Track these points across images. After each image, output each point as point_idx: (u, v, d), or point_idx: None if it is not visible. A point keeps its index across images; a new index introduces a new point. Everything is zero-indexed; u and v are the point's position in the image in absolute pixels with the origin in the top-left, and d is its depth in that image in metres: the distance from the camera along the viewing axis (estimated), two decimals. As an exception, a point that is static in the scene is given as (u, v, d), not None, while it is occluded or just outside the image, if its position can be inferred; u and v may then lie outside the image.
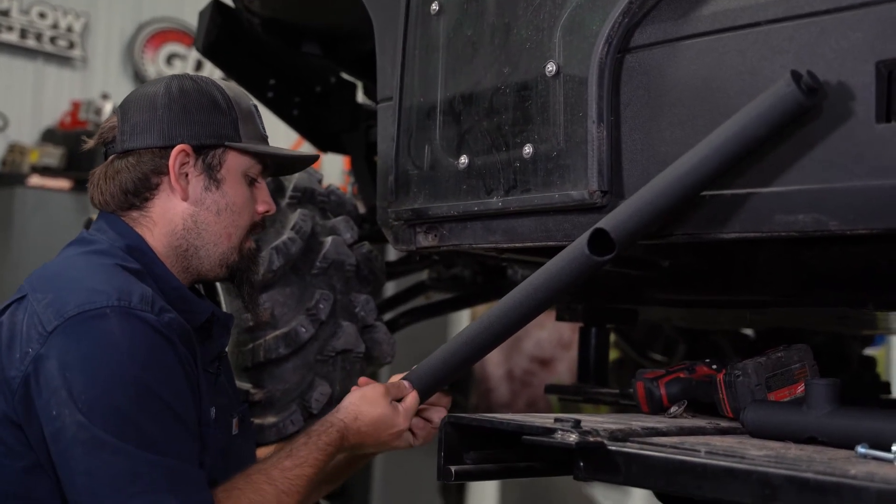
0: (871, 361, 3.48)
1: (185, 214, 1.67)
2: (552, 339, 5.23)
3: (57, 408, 1.41)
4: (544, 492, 4.90)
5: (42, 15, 7.03)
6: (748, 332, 3.40)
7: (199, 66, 7.38)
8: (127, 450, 1.39)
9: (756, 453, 1.32)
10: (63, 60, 7.19)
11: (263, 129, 1.78)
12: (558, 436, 1.41)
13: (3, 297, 1.62)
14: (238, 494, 1.51)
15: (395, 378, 1.79)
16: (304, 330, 2.15)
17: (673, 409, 1.78)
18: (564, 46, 1.68)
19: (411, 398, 1.74)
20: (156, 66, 7.52)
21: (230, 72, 3.01)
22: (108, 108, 6.73)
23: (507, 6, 1.79)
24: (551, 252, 1.62)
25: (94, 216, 1.74)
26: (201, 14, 2.88)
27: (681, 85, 1.54)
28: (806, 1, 1.39)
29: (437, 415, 1.80)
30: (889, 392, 3.22)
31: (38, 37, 7.01)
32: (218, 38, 2.85)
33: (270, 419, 2.15)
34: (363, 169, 2.94)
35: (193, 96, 1.67)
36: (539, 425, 1.46)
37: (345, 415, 1.69)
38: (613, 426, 1.49)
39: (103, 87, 7.23)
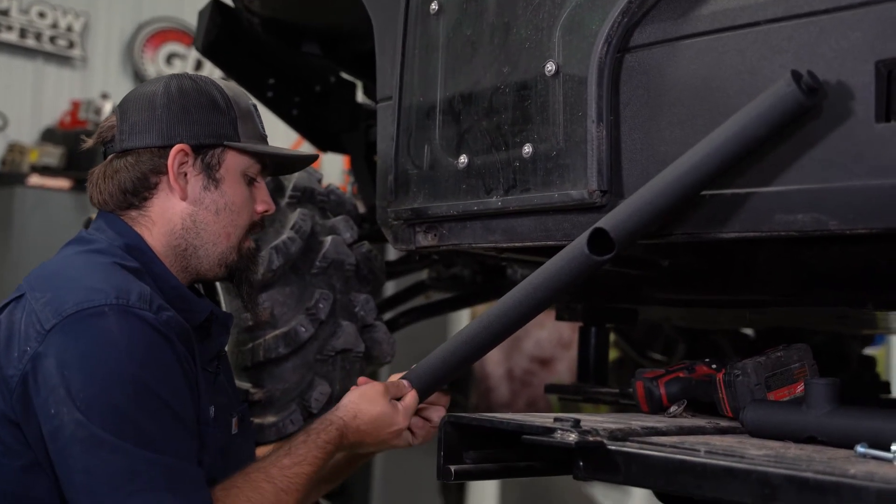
0: (871, 361, 3.48)
1: (183, 214, 1.67)
2: (552, 338, 5.23)
3: (55, 406, 1.41)
4: (544, 491, 4.90)
5: (42, 14, 7.03)
6: (748, 331, 3.41)
7: (198, 65, 7.38)
8: (125, 448, 1.39)
9: (755, 453, 1.32)
10: (63, 60, 7.19)
11: (263, 128, 1.78)
12: (558, 435, 1.41)
13: (2, 296, 1.62)
14: (237, 493, 1.51)
15: (394, 377, 1.79)
16: (303, 329, 2.15)
17: (672, 408, 1.78)
18: (564, 46, 1.68)
19: (410, 397, 1.74)
20: (155, 65, 7.52)
21: (230, 71, 3.00)
22: (107, 107, 6.73)
23: (507, 6, 1.79)
24: (551, 252, 1.62)
25: (94, 215, 1.74)
26: (201, 14, 2.88)
27: (680, 84, 1.54)
28: (805, 0, 1.38)
29: (436, 414, 1.80)
30: (889, 392, 3.22)
31: (38, 36, 7.01)
32: (218, 37, 2.85)
33: (270, 418, 2.15)
34: (363, 168, 2.94)
35: (192, 96, 1.67)
36: (539, 425, 1.46)
37: (344, 413, 1.69)
38: (613, 426, 1.49)
39: (103, 86, 7.23)
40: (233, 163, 1.70)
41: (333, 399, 2.16)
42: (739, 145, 1.39)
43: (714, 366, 1.84)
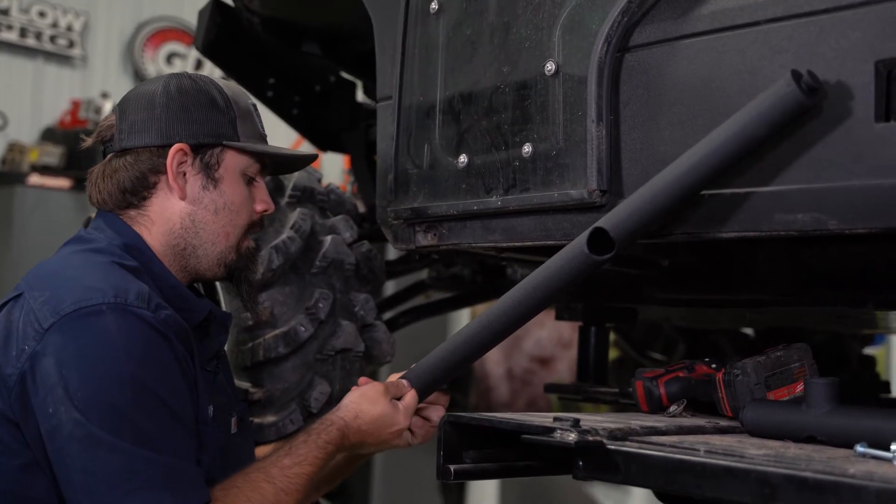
0: (871, 360, 3.48)
1: (182, 213, 1.66)
2: (552, 337, 5.23)
3: (53, 405, 1.41)
4: (544, 491, 4.90)
5: (42, 14, 7.03)
6: (748, 331, 3.41)
7: (198, 65, 7.38)
8: (123, 447, 1.39)
9: (755, 452, 1.32)
10: (63, 59, 7.19)
11: (262, 127, 1.78)
12: (557, 435, 1.41)
13: (2, 296, 1.62)
14: (236, 492, 1.51)
15: (394, 377, 1.79)
16: (303, 329, 2.15)
17: (672, 408, 1.78)
18: (564, 45, 1.68)
19: (410, 397, 1.74)
20: (155, 65, 7.52)
21: (230, 71, 3.00)
22: (107, 106, 6.73)
23: (507, 5, 1.79)
24: (550, 251, 1.62)
25: (94, 215, 1.74)
26: (201, 13, 2.88)
27: (680, 84, 1.54)
28: (805, 0, 1.38)
29: (436, 413, 1.80)
30: (888, 391, 3.22)
31: (38, 36, 7.01)
32: (218, 37, 2.85)
33: (270, 418, 2.15)
34: (363, 168, 2.94)
35: (192, 95, 1.67)
36: (538, 424, 1.46)
37: (345, 413, 1.69)
38: (612, 425, 1.49)
39: (103, 85, 7.23)
40: (232, 162, 1.70)
41: (333, 398, 2.16)
42: (739, 145, 1.39)
43: (714, 365, 1.84)
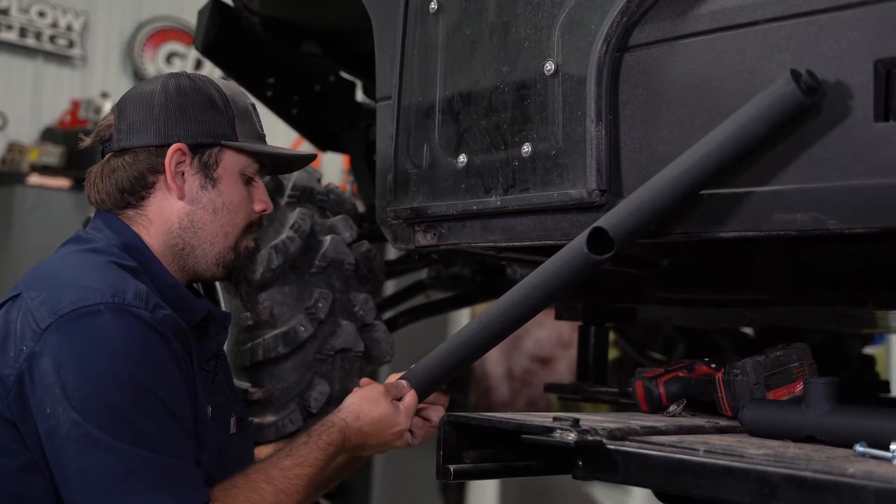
0: (871, 360, 3.48)
1: (181, 213, 1.66)
2: (552, 337, 5.23)
3: (51, 405, 1.41)
4: (544, 491, 4.90)
5: (41, 14, 7.03)
6: (747, 330, 3.41)
7: (198, 64, 7.37)
8: (120, 447, 1.39)
9: (755, 452, 1.32)
10: (62, 59, 7.19)
11: (261, 127, 1.78)
12: (557, 435, 1.41)
13: (2, 295, 1.62)
14: (236, 493, 1.51)
15: (393, 377, 1.79)
16: (303, 329, 2.15)
17: (672, 407, 1.78)
18: (563, 45, 1.67)
19: (410, 397, 1.74)
20: (155, 64, 7.52)
21: (229, 71, 3.00)
22: (107, 106, 6.72)
23: (506, 5, 1.79)
24: (550, 251, 1.62)
25: (93, 214, 1.74)
26: (201, 13, 2.88)
27: (679, 84, 1.54)
28: (804, 0, 1.38)
29: (436, 414, 1.80)
30: (888, 391, 3.22)
31: (38, 35, 7.01)
32: (217, 36, 2.85)
33: (269, 418, 2.15)
34: (362, 168, 2.94)
35: (190, 95, 1.67)
36: (538, 424, 1.46)
37: (346, 414, 1.68)
38: (612, 425, 1.49)
39: (103, 85, 7.22)
40: (230, 162, 1.70)
41: (333, 398, 2.16)
42: (738, 144, 1.39)
43: (713, 365, 1.84)
